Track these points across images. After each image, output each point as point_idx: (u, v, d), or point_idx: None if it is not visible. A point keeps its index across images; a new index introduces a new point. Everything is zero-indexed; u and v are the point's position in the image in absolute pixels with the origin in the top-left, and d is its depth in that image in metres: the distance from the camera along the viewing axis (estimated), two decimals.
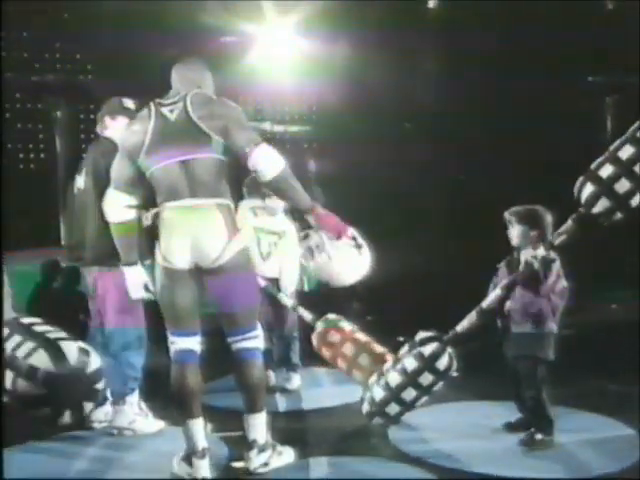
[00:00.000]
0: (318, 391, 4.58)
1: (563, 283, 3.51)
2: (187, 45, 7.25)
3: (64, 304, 6.43)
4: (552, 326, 3.51)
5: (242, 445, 3.39)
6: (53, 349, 3.08)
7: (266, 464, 3.27)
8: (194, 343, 3.23)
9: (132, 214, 3.24)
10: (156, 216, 3.16)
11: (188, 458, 3.21)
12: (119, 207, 3.24)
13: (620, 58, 7.51)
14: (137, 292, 3.38)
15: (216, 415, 3.69)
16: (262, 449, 3.26)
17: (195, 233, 3.09)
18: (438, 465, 3.35)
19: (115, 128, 3.86)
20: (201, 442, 3.21)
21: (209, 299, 3.25)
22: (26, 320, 3.38)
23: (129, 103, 3.98)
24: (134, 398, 3.86)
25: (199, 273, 3.16)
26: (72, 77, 9.10)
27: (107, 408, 3.87)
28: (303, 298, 4.77)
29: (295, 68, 7.84)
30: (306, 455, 3.45)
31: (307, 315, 4.48)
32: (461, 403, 4.20)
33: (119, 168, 3.24)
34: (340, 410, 4.14)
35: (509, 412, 3.69)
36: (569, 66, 7.83)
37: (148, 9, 7.40)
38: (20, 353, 3.14)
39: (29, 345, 3.15)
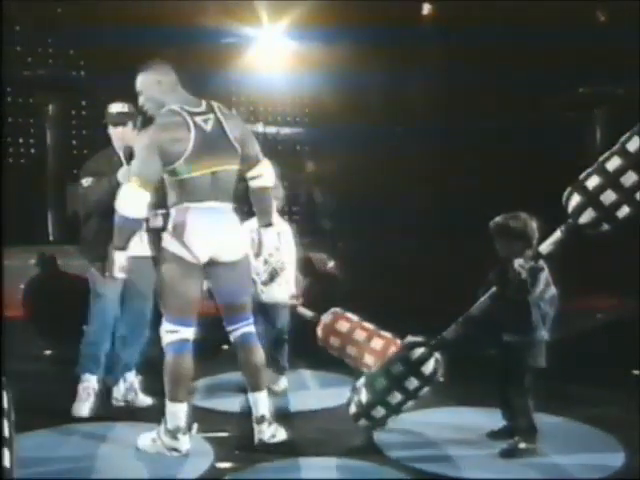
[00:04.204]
0: (304, 393, 4.58)
1: (552, 291, 3.51)
2: (181, 43, 7.25)
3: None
4: (543, 334, 3.52)
5: (226, 446, 3.46)
6: None
7: (274, 436, 3.55)
8: (191, 333, 3.49)
9: (144, 211, 3.35)
10: (166, 217, 3.43)
11: (174, 434, 3.43)
12: (135, 202, 3.31)
13: (608, 69, 7.57)
14: (120, 274, 3.46)
15: (201, 415, 3.72)
16: (270, 422, 3.57)
17: (220, 231, 3.45)
18: (422, 470, 3.35)
19: (123, 133, 4.11)
20: (185, 421, 3.47)
21: (219, 290, 3.57)
22: None
23: (132, 107, 4.10)
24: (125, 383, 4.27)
25: (211, 267, 3.46)
26: (64, 72, 9.07)
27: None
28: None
29: (289, 70, 7.85)
30: (291, 457, 3.45)
31: (309, 313, 4.58)
32: (446, 408, 4.20)
33: (146, 166, 3.34)
34: (326, 413, 4.14)
35: (494, 419, 3.70)
36: (558, 77, 7.88)
37: (142, 6, 7.39)
38: None
39: None
